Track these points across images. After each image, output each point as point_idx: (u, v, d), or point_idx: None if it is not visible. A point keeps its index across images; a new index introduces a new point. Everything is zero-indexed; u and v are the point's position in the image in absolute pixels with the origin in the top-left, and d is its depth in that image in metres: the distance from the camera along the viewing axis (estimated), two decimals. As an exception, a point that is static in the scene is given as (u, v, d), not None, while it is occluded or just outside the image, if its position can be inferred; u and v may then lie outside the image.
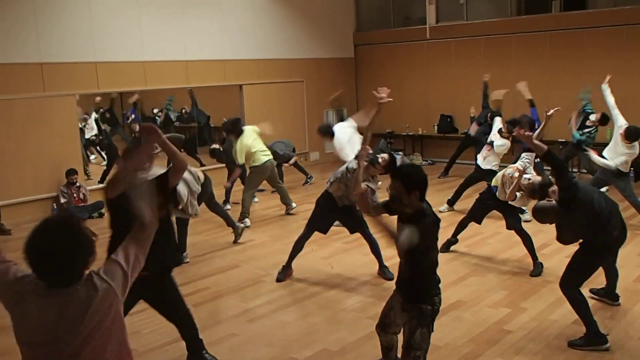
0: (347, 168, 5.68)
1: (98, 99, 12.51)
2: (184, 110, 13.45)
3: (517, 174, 5.94)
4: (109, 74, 9.63)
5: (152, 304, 4.10)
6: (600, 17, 10.77)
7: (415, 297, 3.46)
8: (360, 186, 3.98)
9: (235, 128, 8.22)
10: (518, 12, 12.13)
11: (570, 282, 4.45)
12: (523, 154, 6.22)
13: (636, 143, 7.03)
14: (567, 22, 11.05)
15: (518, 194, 6.02)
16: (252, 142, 8.10)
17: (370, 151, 5.39)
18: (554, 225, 4.57)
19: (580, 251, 4.50)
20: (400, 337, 3.65)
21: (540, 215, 4.54)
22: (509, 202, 6.14)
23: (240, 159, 8.06)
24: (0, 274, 2.23)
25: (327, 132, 8.07)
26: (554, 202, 4.49)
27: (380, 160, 5.34)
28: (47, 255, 2.13)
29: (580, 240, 4.52)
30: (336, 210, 5.88)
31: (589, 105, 9.14)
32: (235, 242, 7.30)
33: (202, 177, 6.53)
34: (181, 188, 5.89)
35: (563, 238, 4.51)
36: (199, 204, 6.63)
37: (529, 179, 5.65)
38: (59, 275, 2.15)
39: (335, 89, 13.18)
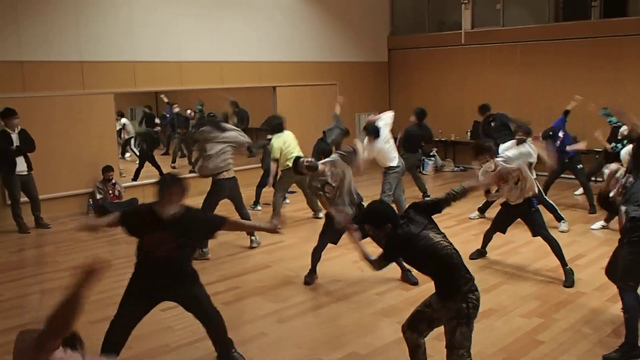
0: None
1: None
2: (213, 115, 13.64)
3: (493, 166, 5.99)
4: (146, 73, 9.81)
5: (180, 303, 4.17)
6: (641, 25, 10.54)
7: (445, 294, 3.54)
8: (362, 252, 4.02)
9: (270, 125, 8.34)
10: (556, 18, 11.94)
11: (629, 280, 4.29)
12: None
13: None
14: (607, 29, 10.84)
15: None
16: (286, 144, 8.16)
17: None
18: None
19: (628, 250, 4.34)
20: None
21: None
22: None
23: (274, 155, 8.15)
24: None
25: (373, 132, 7.92)
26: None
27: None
28: None
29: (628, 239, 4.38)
30: None
31: (613, 118, 8.99)
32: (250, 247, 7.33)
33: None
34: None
35: None
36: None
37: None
38: None
39: (368, 93, 13.22)
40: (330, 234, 5.99)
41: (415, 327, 3.71)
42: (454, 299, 3.47)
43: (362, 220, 3.78)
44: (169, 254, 3.81)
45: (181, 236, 3.82)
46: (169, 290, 3.97)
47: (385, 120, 8.07)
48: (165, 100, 13.71)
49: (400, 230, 3.55)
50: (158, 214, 3.83)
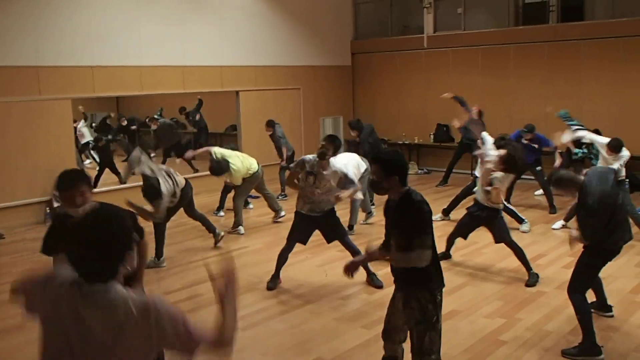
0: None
1: (81, 107, 12.50)
2: (175, 120, 13.54)
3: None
4: (106, 78, 9.60)
5: None
6: (597, 29, 10.80)
7: (415, 282, 3.32)
8: None
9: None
10: (516, 22, 12.15)
11: (578, 287, 4.44)
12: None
13: (623, 150, 7.17)
14: (565, 33, 11.08)
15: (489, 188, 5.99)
16: (241, 158, 8.14)
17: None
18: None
19: (584, 255, 4.49)
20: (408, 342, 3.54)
21: (559, 186, 4.51)
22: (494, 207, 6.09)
23: (238, 182, 8.03)
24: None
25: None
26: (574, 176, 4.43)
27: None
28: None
29: (583, 245, 4.49)
30: (314, 221, 5.88)
31: (575, 121, 9.15)
32: (215, 246, 7.32)
33: (182, 182, 6.74)
34: (164, 188, 6.32)
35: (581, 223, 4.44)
36: (178, 210, 6.84)
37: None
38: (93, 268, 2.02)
39: (332, 97, 13.21)
40: (299, 234, 5.93)
41: (392, 334, 3.57)
42: (422, 291, 3.31)
43: (378, 159, 3.41)
44: None
45: None
46: None
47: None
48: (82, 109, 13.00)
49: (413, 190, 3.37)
50: (73, 216, 3.43)
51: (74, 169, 3.74)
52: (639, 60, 10.34)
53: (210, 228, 7.28)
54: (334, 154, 5.77)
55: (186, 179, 6.95)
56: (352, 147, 9.92)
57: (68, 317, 2.01)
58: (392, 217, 3.45)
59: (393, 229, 3.44)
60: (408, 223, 3.29)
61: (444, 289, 3.45)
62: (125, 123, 13.60)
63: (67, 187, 3.39)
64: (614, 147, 7.16)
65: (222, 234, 7.38)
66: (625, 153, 7.19)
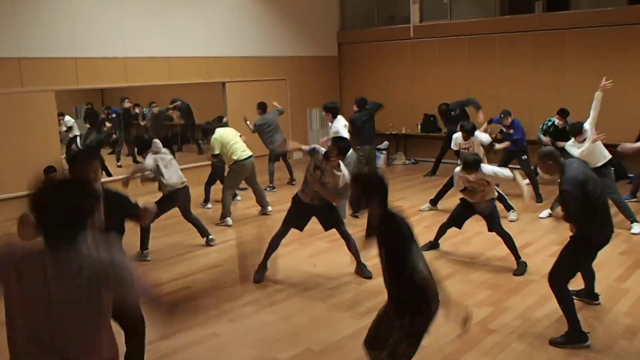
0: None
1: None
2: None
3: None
4: (89, 70, 9.48)
5: None
6: (583, 18, 10.83)
7: (408, 307, 3.17)
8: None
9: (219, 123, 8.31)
10: (502, 12, 12.17)
11: (559, 278, 4.44)
12: None
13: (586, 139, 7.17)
14: (550, 23, 11.10)
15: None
16: (231, 138, 8.08)
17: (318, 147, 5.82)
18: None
19: (570, 246, 4.49)
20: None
21: (541, 160, 4.49)
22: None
23: (217, 150, 8.02)
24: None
25: (333, 109, 8.52)
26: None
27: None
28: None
29: (570, 235, 4.49)
30: (311, 209, 5.85)
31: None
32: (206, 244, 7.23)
33: (174, 181, 6.80)
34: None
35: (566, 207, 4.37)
36: (164, 212, 6.70)
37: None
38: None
39: (319, 87, 13.17)
40: (295, 220, 5.90)
41: (376, 342, 3.40)
42: (416, 315, 3.17)
43: (357, 181, 3.34)
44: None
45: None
46: None
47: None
48: None
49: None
50: None
51: (88, 148, 3.91)
52: (624, 50, 10.39)
53: (203, 233, 7.14)
54: (340, 154, 5.63)
55: (186, 186, 6.87)
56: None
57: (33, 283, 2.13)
58: (379, 243, 3.31)
59: (384, 254, 3.30)
60: (393, 247, 3.18)
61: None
62: (128, 105, 13.24)
63: (82, 163, 3.49)
64: (575, 132, 7.23)
65: (215, 241, 7.20)
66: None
